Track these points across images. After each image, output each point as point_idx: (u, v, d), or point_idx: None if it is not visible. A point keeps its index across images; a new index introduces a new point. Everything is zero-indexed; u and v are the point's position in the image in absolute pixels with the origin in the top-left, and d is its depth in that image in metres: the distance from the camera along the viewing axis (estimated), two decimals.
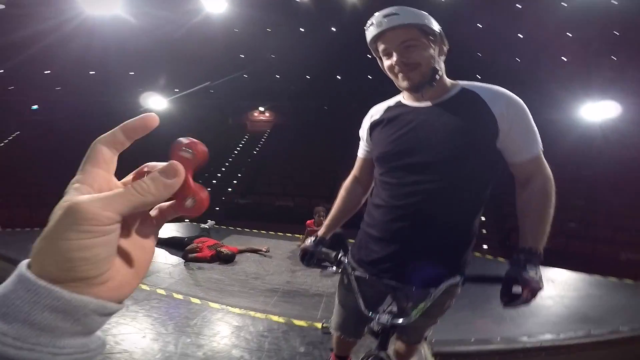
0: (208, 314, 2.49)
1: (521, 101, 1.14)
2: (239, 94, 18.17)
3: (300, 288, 3.50)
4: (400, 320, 1.18)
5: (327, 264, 1.42)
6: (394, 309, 1.31)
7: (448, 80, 1.20)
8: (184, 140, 0.30)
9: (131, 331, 2.09)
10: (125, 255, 0.29)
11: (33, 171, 11.71)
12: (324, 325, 2.40)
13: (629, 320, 3.03)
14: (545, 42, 12.02)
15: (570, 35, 11.51)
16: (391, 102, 1.31)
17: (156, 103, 14.45)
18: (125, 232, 0.29)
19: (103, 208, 0.25)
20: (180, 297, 2.85)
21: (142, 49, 13.84)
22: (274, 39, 15.18)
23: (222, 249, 4.36)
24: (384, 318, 1.20)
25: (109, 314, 0.27)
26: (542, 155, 1.17)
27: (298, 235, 6.30)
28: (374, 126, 1.31)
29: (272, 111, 19.80)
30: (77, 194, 0.26)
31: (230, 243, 5.01)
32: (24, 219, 8.26)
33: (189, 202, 0.30)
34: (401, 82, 1.16)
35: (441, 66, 1.17)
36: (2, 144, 14.49)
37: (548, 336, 2.80)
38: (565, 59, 12.97)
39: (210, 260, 4.28)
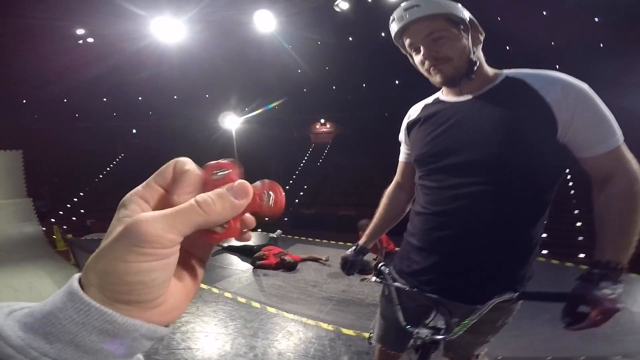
0: (265, 318, 2.66)
1: (584, 85, 0.96)
2: (301, 108, 18.87)
3: (355, 297, 3.52)
4: (440, 337, 1.07)
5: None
6: (438, 323, 1.20)
7: (490, 70, 1.07)
8: (221, 161, 0.29)
9: (196, 329, 2.35)
10: (178, 277, 0.27)
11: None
12: (370, 335, 2.38)
13: None
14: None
15: None
16: (429, 99, 1.21)
17: (231, 123, 15.84)
18: (180, 251, 0.26)
19: (165, 229, 0.23)
20: (243, 300, 3.09)
21: (208, 73, 15.34)
22: (326, 52, 15.57)
23: (286, 257, 4.62)
24: (423, 333, 1.10)
25: (157, 338, 0.25)
26: (623, 149, 0.96)
27: (349, 244, 6.33)
28: (411, 126, 1.22)
29: (332, 122, 20.16)
30: (136, 209, 0.25)
31: (295, 252, 5.26)
32: None
33: (265, 199, 0.28)
34: (434, 78, 1.06)
35: (478, 55, 1.04)
36: (113, 165, 17.41)
37: None
38: None
39: (275, 267, 4.55)
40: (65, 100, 17.26)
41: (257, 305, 2.92)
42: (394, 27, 1.05)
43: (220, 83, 16.55)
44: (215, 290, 3.35)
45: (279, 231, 6.53)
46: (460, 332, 1.03)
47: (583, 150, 0.96)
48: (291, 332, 2.43)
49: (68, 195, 13.99)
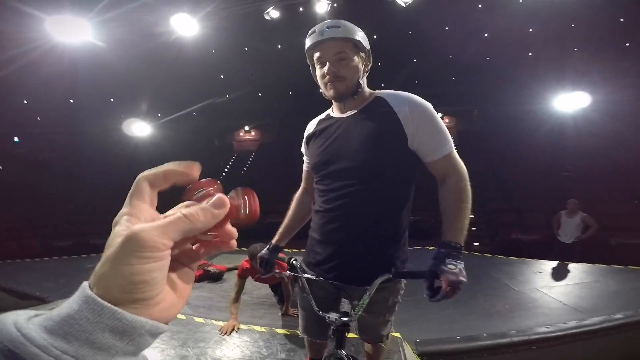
0: (193, 328, 2.49)
1: (426, 104, 1.22)
2: (223, 115, 18.20)
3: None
4: (345, 319, 1.22)
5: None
6: (344, 308, 1.39)
7: (367, 91, 1.31)
8: (201, 181, 0.35)
9: None
10: (171, 280, 0.32)
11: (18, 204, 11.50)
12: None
13: (622, 307, 3.01)
14: (516, 37, 12.50)
15: (541, 29, 12.03)
16: (322, 115, 1.43)
17: (139, 129, 14.38)
18: (172, 262, 0.31)
19: (159, 236, 0.28)
20: (179, 316, 2.84)
21: (117, 76, 13.84)
22: (252, 58, 15.43)
23: (210, 268, 4.38)
24: (333, 317, 1.24)
25: (158, 334, 0.29)
26: (454, 154, 1.24)
27: (287, 250, 6.30)
28: (309, 139, 1.42)
29: (257, 130, 19.85)
30: (130, 225, 0.29)
31: (219, 262, 5.00)
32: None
33: (242, 209, 0.35)
34: (327, 91, 1.26)
35: (363, 80, 1.28)
36: None
37: (538, 329, 2.78)
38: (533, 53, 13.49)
39: (199, 279, 4.28)
40: None
41: (182, 317, 2.71)
42: (312, 39, 1.23)
43: (130, 87, 14.99)
44: None
45: None
46: (360, 313, 1.20)
47: (426, 155, 1.23)
48: (223, 338, 2.32)
49: None
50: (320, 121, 1.41)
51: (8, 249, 8.32)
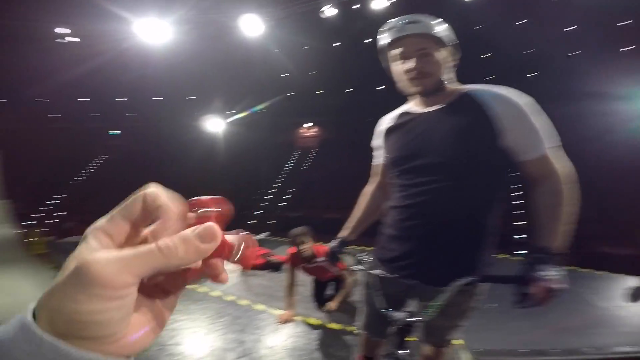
0: (253, 315, 2.72)
1: (521, 99, 1.14)
2: (286, 112, 18.82)
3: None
4: (414, 319, 1.18)
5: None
6: (412, 308, 1.33)
7: (453, 86, 1.26)
8: (204, 198, 0.27)
9: (185, 326, 2.39)
10: (145, 309, 0.26)
11: (113, 191, 13.44)
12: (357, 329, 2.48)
13: None
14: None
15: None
16: (399, 111, 1.40)
17: (215, 125, 15.64)
18: (146, 286, 0.25)
19: (119, 271, 0.21)
20: (232, 298, 3.13)
21: (193, 75, 15.10)
22: (313, 56, 15.63)
23: (272, 258, 4.68)
24: (399, 316, 1.21)
25: None
26: (551, 155, 1.15)
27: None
28: (388, 133, 1.39)
29: (318, 127, 20.11)
30: (95, 245, 0.23)
31: (281, 253, 5.30)
32: None
33: (234, 252, 0.26)
34: (411, 88, 1.23)
35: (450, 75, 1.24)
36: (92, 167, 16.94)
37: (618, 348, 2.50)
38: None
39: (262, 267, 4.61)
40: (47, 101, 16.71)
41: (244, 302, 2.96)
42: (390, 35, 1.20)
43: (206, 85, 16.36)
44: (203, 289, 3.37)
45: (266, 233, 6.58)
46: (431, 314, 1.14)
47: (519, 154, 1.16)
48: (279, 327, 2.49)
49: (46, 197, 13.56)
50: (399, 116, 1.37)
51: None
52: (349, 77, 17.28)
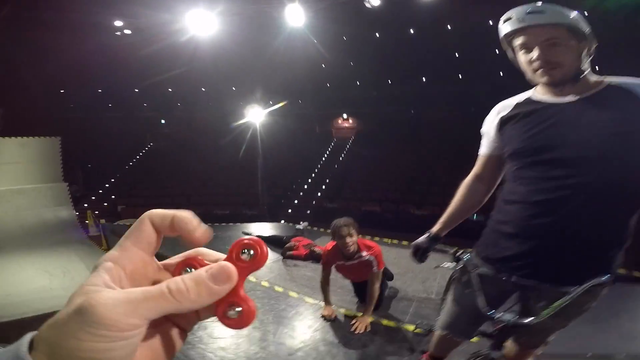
0: (302, 309, 2.70)
1: None
2: (323, 102, 18.99)
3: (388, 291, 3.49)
4: (528, 320, 1.13)
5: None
6: (519, 308, 1.27)
7: (593, 77, 1.16)
8: (245, 239, 0.26)
9: None
10: (150, 344, 0.25)
11: (162, 176, 14.20)
12: (418, 328, 2.38)
13: None
14: None
15: None
16: (519, 98, 1.29)
17: (255, 116, 16.00)
18: (152, 324, 0.23)
19: (126, 314, 0.21)
20: (280, 290, 3.15)
21: (235, 66, 15.46)
22: (351, 47, 15.40)
23: (315, 249, 4.64)
24: (507, 317, 1.16)
25: None
26: None
27: (386, 240, 6.25)
28: (504, 122, 1.29)
29: (355, 118, 20.06)
30: (105, 279, 0.23)
31: (322, 244, 5.27)
32: None
33: (232, 313, 0.25)
34: (539, 78, 1.15)
35: (586, 66, 1.14)
36: (142, 154, 18.02)
37: None
38: None
39: (305, 258, 4.60)
40: (99, 91, 17.91)
41: (294, 294, 2.96)
42: (510, 25, 1.13)
43: (247, 76, 16.72)
44: (252, 279, 3.42)
45: (305, 223, 6.53)
46: (547, 315, 1.09)
47: None
48: (330, 322, 2.46)
49: (100, 181, 14.63)
50: (520, 104, 1.27)
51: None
52: (388, 68, 16.90)
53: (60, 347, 0.20)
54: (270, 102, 17.22)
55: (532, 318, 1.12)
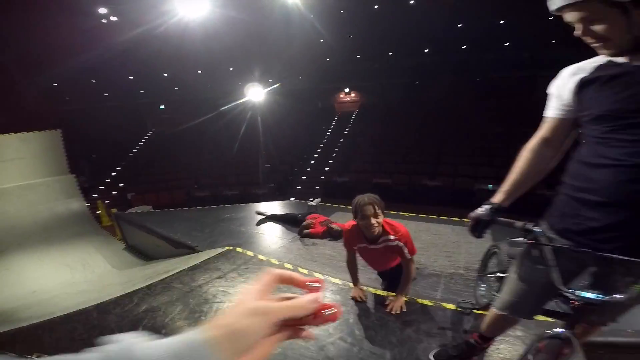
0: (329, 291, 2.58)
1: None
2: (324, 78, 18.65)
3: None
4: (617, 296, 1.04)
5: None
6: (599, 284, 1.14)
7: None
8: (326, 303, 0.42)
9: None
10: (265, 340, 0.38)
11: (165, 161, 14.09)
12: (460, 307, 2.24)
13: None
14: None
15: None
16: (597, 61, 1.17)
17: (255, 95, 15.67)
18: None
19: (280, 313, 0.37)
20: (305, 271, 3.03)
21: (232, 47, 15.01)
22: (350, 21, 14.93)
23: (333, 225, 4.49)
24: (590, 294, 1.05)
25: None
26: None
27: (403, 213, 6.10)
28: (585, 84, 1.18)
29: (357, 91, 19.74)
30: (256, 299, 0.38)
31: (337, 220, 5.12)
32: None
33: (327, 312, 0.42)
34: (600, 52, 1.11)
35: None
36: (145, 140, 17.85)
37: None
38: None
39: (322, 236, 4.45)
40: (93, 81, 17.53)
41: (319, 276, 2.83)
42: (550, 6, 1.09)
43: (244, 56, 16.29)
44: (274, 261, 3.30)
45: (318, 199, 6.32)
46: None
47: None
48: (360, 303, 2.34)
49: (106, 170, 14.57)
50: (602, 66, 1.16)
51: (159, 198, 10.31)
52: (389, 41, 16.43)
53: (237, 334, 0.34)
54: (270, 81, 16.92)
55: (624, 295, 1.02)
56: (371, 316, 2.24)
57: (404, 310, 2.24)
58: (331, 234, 4.45)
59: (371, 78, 18.30)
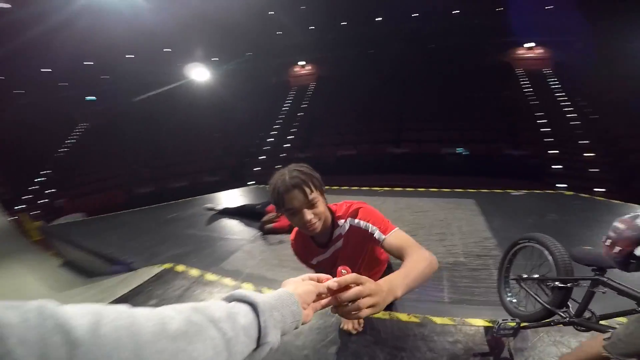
0: None
1: None
2: (276, 52, 17.53)
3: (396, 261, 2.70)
4: None
5: None
6: None
7: None
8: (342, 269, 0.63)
9: None
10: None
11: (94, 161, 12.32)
12: (503, 327, 1.56)
13: None
14: None
15: None
16: None
17: (199, 74, 14.09)
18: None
19: (317, 288, 0.58)
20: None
21: (166, 27, 13.39)
22: None
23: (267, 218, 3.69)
24: None
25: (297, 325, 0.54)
26: None
27: (376, 189, 5.45)
28: None
29: (313, 63, 18.72)
30: (306, 280, 0.61)
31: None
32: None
33: (344, 272, 0.62)
34: None
35: None
36: (75, 137, 15.60)
37: None
38: None
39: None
40: (2, 78, 14.75)
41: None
42: None
43: (182, 35, 14.54)
44: (226, 281, 2.46)
45: None
46: None
47: None
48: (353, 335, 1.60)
49: (30, 177, 12.45)
50: None
51: (95, 202, 8.83)
52: (343, 11, 15.65)
53: (302, 288, 0.57)
54: (215, 59, 15.41)
55: None
56: (364, 340, 1.52)
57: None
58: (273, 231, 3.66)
59: (326, 49, 17.49)
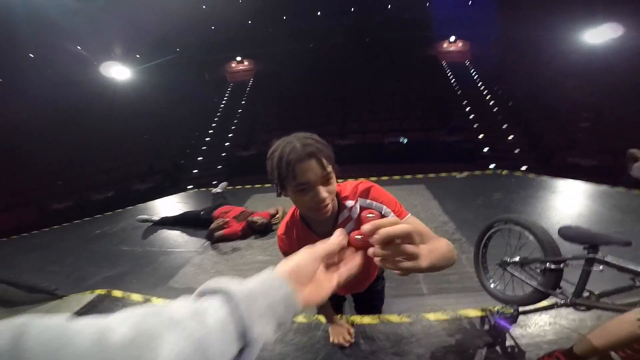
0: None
1: None
2: (210, 48, 16.47)
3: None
4: None
5: None
6: None
7: None
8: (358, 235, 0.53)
9: None
10: (318, 277, 0.49)
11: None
12: (503, 314, 1.46)
13: None
14: None
15: None
16: None
17: (118, 73, 12.62)
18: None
19: (322, 250, 0.50)
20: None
21: (76, 19, 11.74)
22: None
23: (254, 218, 3.34)
24: None
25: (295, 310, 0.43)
26: None
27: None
28: None
29: (251, 59, 18.05)
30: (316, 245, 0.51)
31: (257, 207, 3.99)
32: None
33: (358, 237, 0.53)
34: None
35: None
36: None
37: None
38: None
39: (242, 235, 3.28)
40: None
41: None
42: None
43: (95, 30, 12.82)
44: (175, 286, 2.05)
45: (224, 183, 4.90)
46: None
47: None
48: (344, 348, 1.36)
49: None
50: None
51: (3, 223, 7.32)
52: (282, 4, 15.37)
53: (294, 263, 0.46)
54: (137, 56, 14.01)
55: None
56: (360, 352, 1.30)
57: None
58: (254, 229, 3.32)
59: (265, 44, 16.83)
